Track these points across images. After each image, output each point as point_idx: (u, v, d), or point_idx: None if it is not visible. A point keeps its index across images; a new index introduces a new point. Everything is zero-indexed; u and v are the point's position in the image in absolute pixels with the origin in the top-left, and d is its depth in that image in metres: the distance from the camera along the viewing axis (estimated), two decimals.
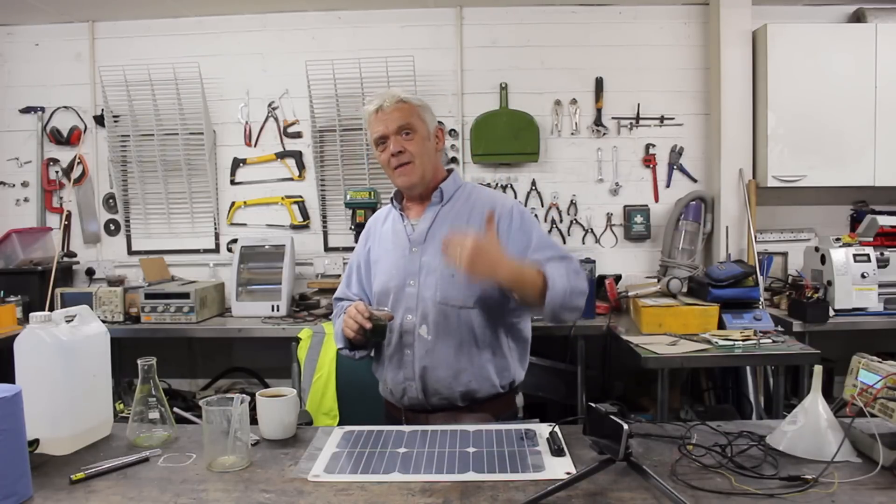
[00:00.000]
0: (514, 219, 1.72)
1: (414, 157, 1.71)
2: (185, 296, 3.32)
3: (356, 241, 3.57)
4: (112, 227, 4.02)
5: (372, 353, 1.81)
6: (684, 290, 3.34)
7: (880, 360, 1.34)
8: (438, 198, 1.78)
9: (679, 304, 3.02)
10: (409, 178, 1.73)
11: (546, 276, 1.56)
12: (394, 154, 1.71)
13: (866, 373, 1.33)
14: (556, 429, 1.43)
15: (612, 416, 1.20)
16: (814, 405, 1.33)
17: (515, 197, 3.81)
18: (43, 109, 3.94)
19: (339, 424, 1.66)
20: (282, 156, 3.93)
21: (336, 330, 1.81)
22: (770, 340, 2.71)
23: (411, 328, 1.70)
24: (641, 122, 3.84)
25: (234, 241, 3.88)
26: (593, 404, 1.27)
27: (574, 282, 1.59)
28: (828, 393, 1.66)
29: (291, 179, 3.94)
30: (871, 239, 3.32)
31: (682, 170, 3.86)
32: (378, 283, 1.79)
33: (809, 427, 1.31)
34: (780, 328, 2.94)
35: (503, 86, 3.82)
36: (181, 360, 3.94)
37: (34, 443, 1.32)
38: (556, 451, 1.34)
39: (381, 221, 1.90)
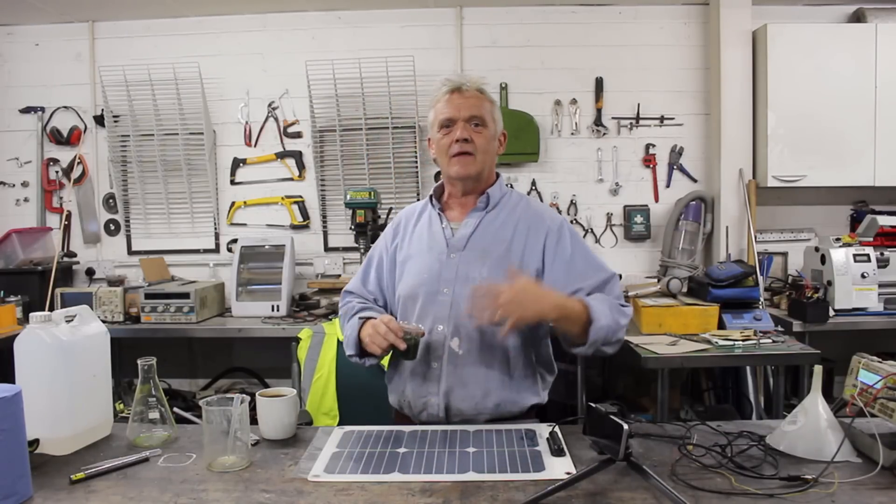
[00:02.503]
0: (563, 237, 1.64)
1: (478, 150, 1.63)
2: (185, 296, 3.32)
3: (356, 241, 3.62)
4: (112, 227, 4.02)
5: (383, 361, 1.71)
6: (684, 290, 3.34)
7: (880, 360, 1.34)
8: (484, 203, 1.68)
9: (679, 304, 3.02)
10: (466, 168, 1.63)
11: (590, 311, 1.49)
12: (458, 140, 1.61)
13: (866, 373, 1.33)
14: (556, 429, 1.43)
15: (612, 416, 1.20)
16: (814, 405, 1.33)
17: None
18: (43, 109, 3.94)
19: (339, 424, 1.65)
20: (282, 156, 3.93)
21: (347, 335, 1.69)
22: (770, 340, 2.71)
23: (441, 340, 1.59)
24: (641, 122, 3.84)
25: (234, 241, 3.89)
26: (593, 404, 1.27)
27: (617, 317, 1.54)
28: (828, 393, 1.66)
29: (291, 179, 3.95)
30: (871, 239, 3.32)
31: (682, 170, 3.86)
32: (406, 286, 1.68)
33: (809, 427, 1.31)
34: (780, 328, 2.94)
35: (503, 86, 3.82)
36: (181, 360, 3.94)
37: (34, 443, 1.32)
38: (556, 451, 1.34)
39: (413, 218, 1.78)
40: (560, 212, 3.84)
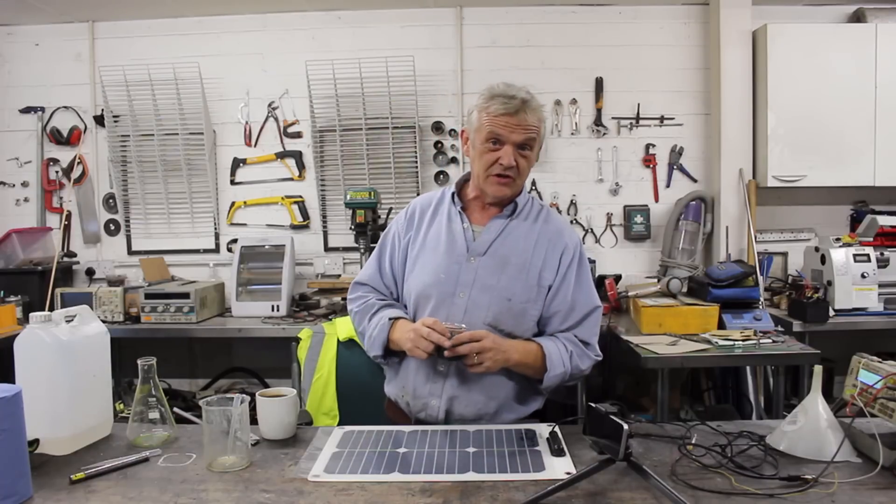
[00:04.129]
0: (575, 258, 1.67)
1: (520, 175, 1.62)
2: (185, 296, 3.32)
3: (356, 241, 3.61)
4: (112, 227, 4.02)
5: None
6: (684, 290, 3.33)
7: (880, 360, 1.34)
8: (511, 210, 1.68)
9: (679, 304, 3.02)
10: (502, 191, 1.62)
11: (547, 360, 1.58)
12: (502, 164, 1.58)
13: (866, 373, 1.33)
14: (556, 429, 1.43)
15: (612, 416, 1.20)
16: (814, 405, 1.33)
17: None
18: (43, 109, 3.94)
19: (339, 424, 1.65)
20: (282, 156, 3.93)
21: (373, 336, 1.65)
22: (770, 340, 2.70)
23: None
24: (641, 122, 3.84)
25: (234, 241, 3.88)
26: (593, 404, 1.27)
27: (578, 363, 1.63)
28: (828, 393, 1.66)
29: (291, 179, 3.94)
30: (871, 239, 3.32)
31: (682, 170, 3.86)
32: (418, 283, 1.65)
33: (809, 427, 1.31)
34: (780, 328, 2.94)
35: None
36: (181, 360, 3.94)
37: (34, 443, 1.32)
38: (556, 451, 1.34)
39: (429, 210, 1.73)
40: (560, 212, 3.85)
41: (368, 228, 3.51)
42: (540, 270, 1.64)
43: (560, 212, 3.84)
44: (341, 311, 3.31)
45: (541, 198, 3.84)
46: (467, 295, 1.61)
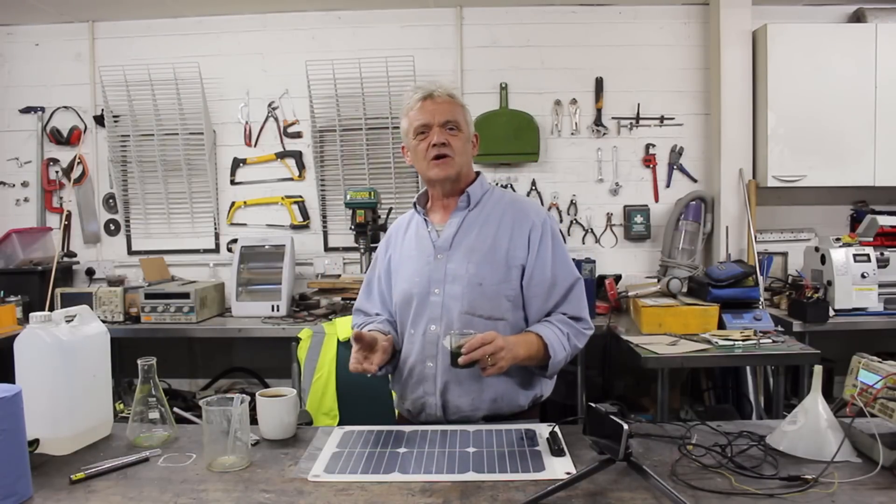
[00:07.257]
0: (546, 234, 1.68)
1: (455, 153, 1.66)
2: (185, 296, 3.32)
3: (356, 241, 3.62)
4: (112, 227, 4.02)
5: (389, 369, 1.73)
6: (684, 290, 3.34)
7: (880, 360, 1.34)
8: (465, 202, 1.72)
9: (679, 304, 3.02)
10: (445, 170, 1.66)
11: (549, 349, 1.59)
12: (435, 144, 1.64)
13: (866, 373, 1.33)
14: (556, 429, 1.43)
15: (612, 416, 1.20)
16: (814, 405, 1.33)
17: None
18: (43, 109, 3.94)
19: (339, 424, 1.65)
20: (282, 156, 3.93)
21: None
22: (770, 340, 2.70)
23: (434, 339, 1.63)
24: (641, 122, 3.84)
25: (234, 241, 3.88)
26: (593, 404, 1.27)
27: (575, 342, 1.65)
28: (828, 393, 1.66)
29: (291, 179, 3.95)
30: (871, 239, 3.32)
31: (682, 170, 3.86)
32: (399, 291, 1.72)
33: (809, 427, 1.31)
34: (780, 328, 2.94)
35: (503, 86, 3.82)
36: (181, 360, 3.94)
37: (34, 443, 1.33)
38: (556, 451, 1.34)
39: (402, 228, 1.82)
40: (560, 212, 3.85)
41: (368, 228, 3.52)
42: (507, 250, 1.66)
43: (560, 212, 3.85)
44: (341, 311, 3.31)
45: (541, 198, 3.85)
46: (442, 290, 1.65)
